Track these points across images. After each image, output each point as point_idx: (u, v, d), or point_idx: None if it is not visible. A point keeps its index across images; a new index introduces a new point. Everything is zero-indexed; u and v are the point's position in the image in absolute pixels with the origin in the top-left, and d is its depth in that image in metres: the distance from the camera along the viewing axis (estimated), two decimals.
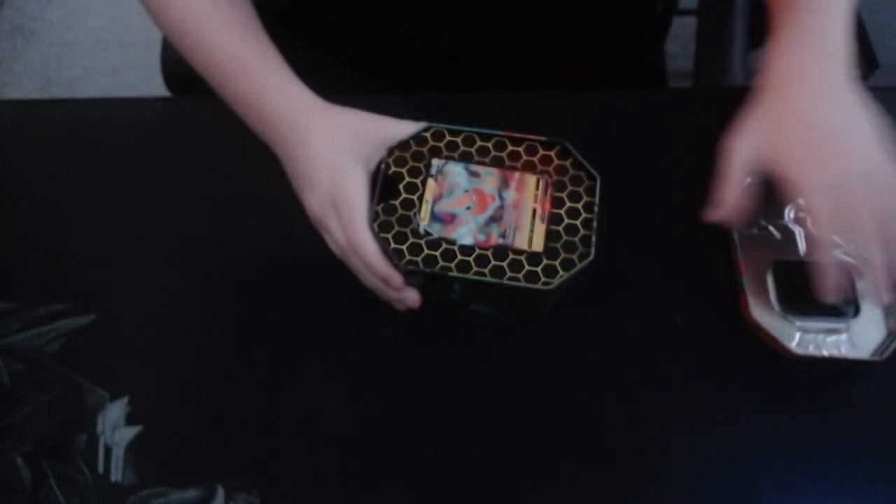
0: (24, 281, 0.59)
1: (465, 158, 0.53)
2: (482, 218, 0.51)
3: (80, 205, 0.63)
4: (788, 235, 0.58)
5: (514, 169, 0.53)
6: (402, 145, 0.53)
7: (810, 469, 0.51)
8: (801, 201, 0.47)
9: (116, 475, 0.52)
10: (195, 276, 0.59)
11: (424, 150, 0.53)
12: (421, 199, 0.52)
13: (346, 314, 0.57)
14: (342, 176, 0.49)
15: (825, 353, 0.53)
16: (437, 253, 0.50)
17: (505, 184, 0.52)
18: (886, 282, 0.46)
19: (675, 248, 0.59)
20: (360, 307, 0.56)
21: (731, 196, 0.51)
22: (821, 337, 0.54)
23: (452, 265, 0.50)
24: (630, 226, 0.56)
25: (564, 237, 0.50)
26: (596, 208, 0.51)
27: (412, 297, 0.52)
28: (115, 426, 0.53)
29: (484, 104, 0.65)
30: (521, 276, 0.49)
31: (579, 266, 0.49)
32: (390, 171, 0.52)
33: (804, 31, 0.51)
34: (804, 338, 0.54)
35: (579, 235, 0.50)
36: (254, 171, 0.62)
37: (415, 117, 0.55)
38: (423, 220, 0.51)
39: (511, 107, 0.57)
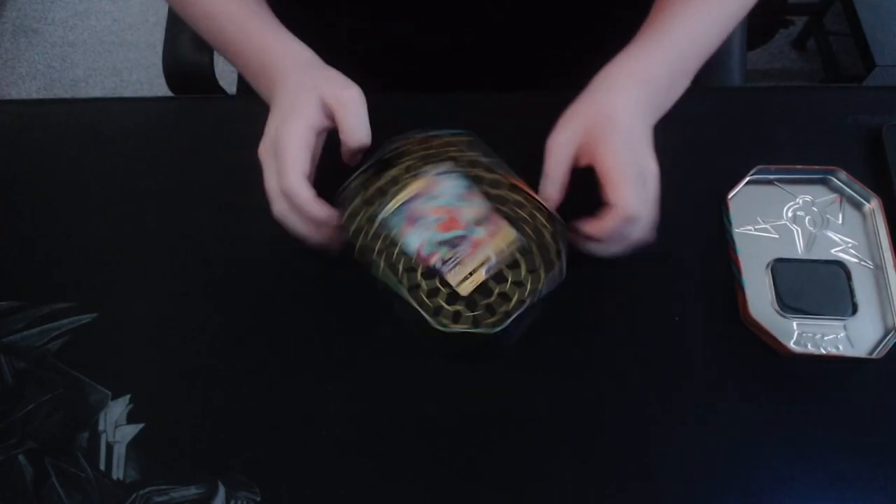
0: (27, 280, 0.60)
1: (475, 179, 0.53)
2: (439, 237, 0.51)
3: (83, 204, 0.63)
4: (786, 234, 0.58)
5: (504, 217, 0.52)
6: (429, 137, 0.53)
7: (808, 467, 0.51)
8: (610, 188, 0.50)
9: (118, 472, 0.52)
10: (196, 275, 0.59)
11: (448, 150, 0.53)
12: (397, 191, 0.52)
13: (347, 314, 0.57)
14: (284, 124, 0.52)
15: (823, 351, 0.53)
16: (377, 244, 0.51)
17: (482, 221, 0.52)
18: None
19: (673, 247, 0.59)
20: (361, 307, 0.56)
21: (553, 192, 0.52)
22: (819, 335, 0.54)
23: (382, 259, 0.50)
24: None
25: (490, 300, 0.50)
26: (530, 301, 0.49)
27: (338, 244, 0.54)
28: (116, 424, 0.54)
29: (485, 104, 0.65)
30: (420, 300, 0.50)
31: (461, 329, 0.48)
32: (386, 156, 0.53)
33: (647, 53, 0.56)
34: (802, 336, 0.54)
35: (500, 309, 0.50)
36: (255, 170, 0.63)
37: (415, 117, 0.55)
38: (387, 210, 0.51)
39: (511, 107, 0.57)
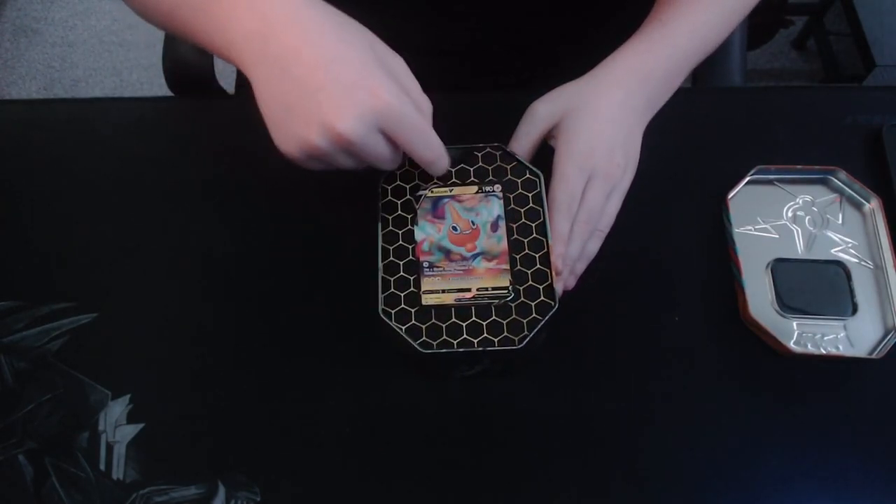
0: (27, 280, 0.60)
1: (511, 213, 0.52)
2: (445, 243, 0.50)
3: (83, 204, 0.63)
4: (786, 234, 0.58)
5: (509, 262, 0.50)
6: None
7: (808, 467, 0.51)
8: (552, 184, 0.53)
9: (118, 473, 0.52)
10: (196, 275, 0.59)
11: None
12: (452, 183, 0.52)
13: (347, 314, 0.57)
14: (382, 45, 0.46)
15: (823, 351, 0.53)
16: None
17: (491, 257, 0.50)
18: (568, 263, 0.53)
19: (673, 247, 0.59)
20: (362, 306, 0.56)
21: (518, 146, 0.55)
22: (819, 335, 0.54)
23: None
24: (629, 224, 0.56)
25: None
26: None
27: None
28: (116, 424, 0.54)
29: (485, 104, 0.65)
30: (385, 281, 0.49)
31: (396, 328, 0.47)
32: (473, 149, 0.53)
33: (649, 47, 0.56)
34: (802, 336, 0.54)
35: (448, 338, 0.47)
36: (256, 170, 0.63)
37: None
38: (431, 192, 0.51)
39: (512, 107, 0.57)
